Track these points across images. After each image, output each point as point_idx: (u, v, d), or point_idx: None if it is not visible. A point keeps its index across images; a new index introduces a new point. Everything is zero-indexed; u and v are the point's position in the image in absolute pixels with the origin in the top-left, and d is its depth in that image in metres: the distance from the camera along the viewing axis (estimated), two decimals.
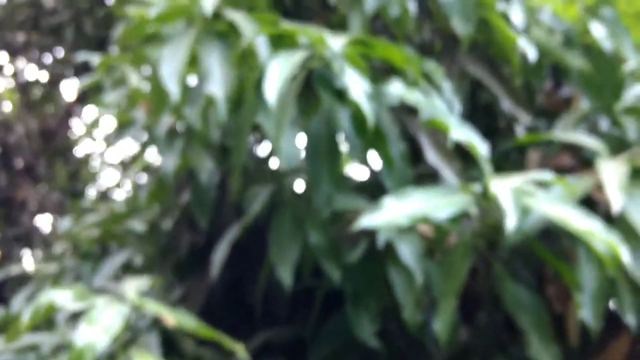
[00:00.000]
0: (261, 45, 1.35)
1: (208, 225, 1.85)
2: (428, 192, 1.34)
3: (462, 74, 1.74)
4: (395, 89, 1.38)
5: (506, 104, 1.71)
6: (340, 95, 1.40)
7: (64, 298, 1.33)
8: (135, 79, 2.28)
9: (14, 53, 5.24)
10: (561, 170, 1.95)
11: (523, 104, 1.81)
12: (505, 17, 1.66)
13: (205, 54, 1.41)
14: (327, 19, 1.85)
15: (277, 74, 1.22)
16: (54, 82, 5.25)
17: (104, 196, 5.16)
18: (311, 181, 1.48)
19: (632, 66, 1.71)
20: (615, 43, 1.79)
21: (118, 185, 4.11)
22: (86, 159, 5.55)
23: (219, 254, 1.69)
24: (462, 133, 1.36)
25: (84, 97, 4.51)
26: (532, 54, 1.57)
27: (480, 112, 2.01)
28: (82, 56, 3.12)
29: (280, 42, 1.42)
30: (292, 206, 1.60)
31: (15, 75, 5.74)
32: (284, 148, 1.34)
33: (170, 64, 1.37)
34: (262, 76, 1.30)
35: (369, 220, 1.25)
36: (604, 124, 1.96)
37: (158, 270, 2.15)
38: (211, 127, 1.48)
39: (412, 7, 1.58)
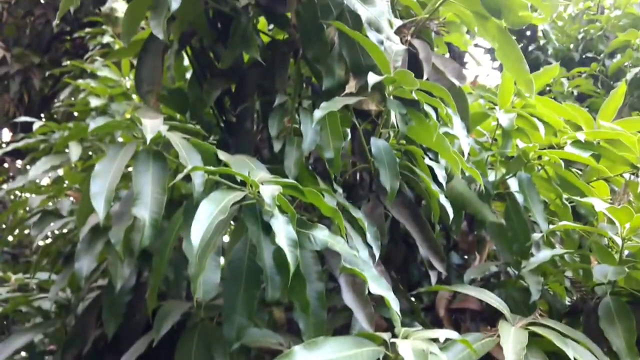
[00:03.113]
0: (197, 178, 1.38)
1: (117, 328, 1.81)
2: (339, 342, 1.36)
3: (386, 215, 1.83)
4: (321, 234, 1.43)
5: (423, 251, 1.80)
6: (267, 228, 1.44)
7: None
8: (75, 153, 2.25)
9: None
10: (469, 312, 2.06)
11: (440, 247, 1.91)
12: (431, 170, 1.78)
13: (139, 174, 1.42)
14: (269, 142, 1.92)
15: (206, 216, 1.24)
16: None
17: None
18: (225, 309, 1.48)
19: (536, 235, 1.85)
20: (527, 204, 1.94)
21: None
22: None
23: None
24: (378, 287, 1.41)
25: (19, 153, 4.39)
26: (450, 213, 1.68)
27: (399, 241, 2.11)
28: (23, 118, 3.08)
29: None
30: (202, 330, 1.59)
31: None
32: (202, 282, 1.35)
33: (101, 182, 1.38)
34: (192, 207, 1.33)
35: None
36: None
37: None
38: (134, 246, 1.47)
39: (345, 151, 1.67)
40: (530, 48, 4.63)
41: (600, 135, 2.06)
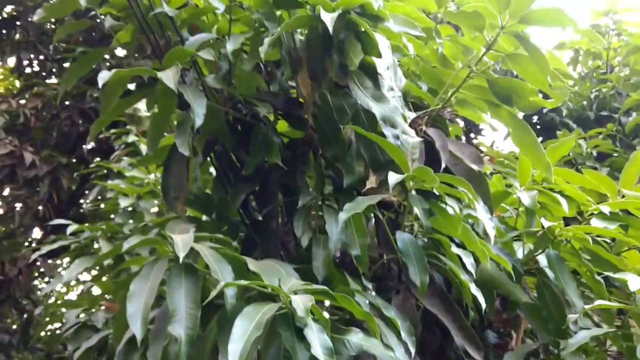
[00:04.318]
0: (229, 291, 1.41)
1: None
2: None
3: (417, 306, 1.82)
4: (355, 338, 1.44)
5: (458, 340, 1.78)
6: (301, 334, 1.45)
7: None
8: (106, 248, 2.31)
9: None
10: None
11: (475, 335, 1.88)
12: (460, 258, 1.78)
13: (172, 291, 1.45)
14: (294, 237, 1.94)
15: (241, 334, 1.26)
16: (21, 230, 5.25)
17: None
18: None
19: (576, 312, 1.82)
20: (558, 282, 1.92)
21: None
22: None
23: None
24: None
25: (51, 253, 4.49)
26: (483, 302, 1.67)
27: (434, 327, 2.08)
28: (56, 221, 3.18)
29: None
30: None
31: None
32: None
33: (136, 302, 1.41)
34: (226, 319, 1.36)
35: None
36: None
37: None
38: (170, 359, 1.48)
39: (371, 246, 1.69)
40: (544, 110, 4.68)
41: (624, 206, 2.06)
